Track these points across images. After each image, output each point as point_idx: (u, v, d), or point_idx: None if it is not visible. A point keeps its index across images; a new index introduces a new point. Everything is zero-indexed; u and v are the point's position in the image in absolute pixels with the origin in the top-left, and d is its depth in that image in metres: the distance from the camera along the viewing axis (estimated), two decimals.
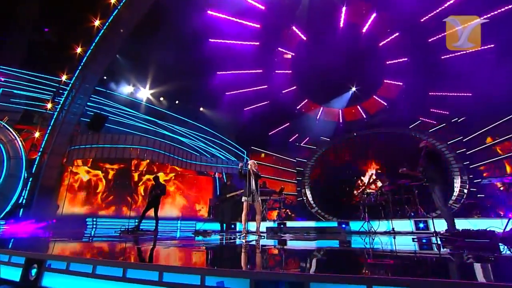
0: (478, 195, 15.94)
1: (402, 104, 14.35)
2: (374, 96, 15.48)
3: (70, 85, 12.70)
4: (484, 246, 3.63)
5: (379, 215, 8.28)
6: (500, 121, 13.66)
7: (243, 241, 5.42)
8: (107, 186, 13.72)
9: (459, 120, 15.51)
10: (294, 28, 13.38)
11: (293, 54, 14.46)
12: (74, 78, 12.72)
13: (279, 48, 14.32)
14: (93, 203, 13.24)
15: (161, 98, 16.13)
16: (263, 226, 9.60)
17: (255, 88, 15.94)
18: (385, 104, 15.45)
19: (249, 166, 6.40)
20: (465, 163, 16.04)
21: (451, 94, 13.52)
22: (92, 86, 13.09)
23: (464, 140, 15.83)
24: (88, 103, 13.28)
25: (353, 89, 15.76)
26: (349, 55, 13.32)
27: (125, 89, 14.73)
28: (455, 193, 16.29)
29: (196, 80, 15.02)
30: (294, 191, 19.08)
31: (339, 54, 13.43)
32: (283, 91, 16.07)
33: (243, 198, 6.10)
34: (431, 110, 14.63)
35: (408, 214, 8.89)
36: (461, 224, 6.95)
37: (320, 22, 12.61)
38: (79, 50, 12.47)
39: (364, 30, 12.69)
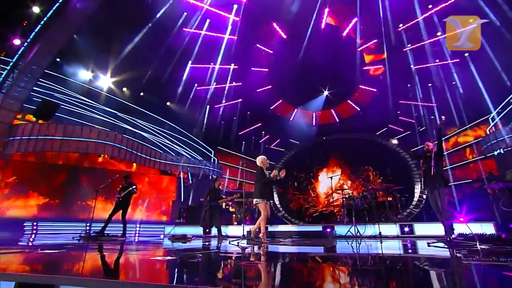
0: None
1: (374, 111, 14.69)
2: (348, 101, 15.68)
3: (12, 64, 10.68)
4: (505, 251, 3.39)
5: (364, 219, 8.10)
6: (458, 130, 14.64)
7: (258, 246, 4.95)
8: (53, 184, 11.83)
9: (421, 129, 16.43)
10: (274, 24, 12.92)
11: (272, 52, 14.00)
12: (17, 56, 10.73)
13: (258, 45, 13.75)
14: (35, 204, 11.30)
15: (124, 89, 14.50)
16: (241, 230, 8.99)
17: (229, 85, 15.16)
18: (358, 109, 15.74)
19: (259, 163, 5.85)
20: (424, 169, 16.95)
21: (418, 103, 14.15)
22: (41, 68, 11.18)
23: (425, 148, 16.77)
24: (36, 88, 11.31)
25: (326, 92, 15.83)
26: (328, 57, 13.24)
27: (83, 75, 12.89)
28: (415, 199, 17.24)
29: (165, 71, 13.77)
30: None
31: (317, 55, 13.30)
32: (258, 90, 15.52)
33: (258, 200, 5.52)
34: (400, 118, 15.20)
35: (392, 218, 8.89)
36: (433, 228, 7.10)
37: (302, 21, 12.31)
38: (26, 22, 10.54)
39: (344, 34, 12.70)
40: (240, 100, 15.73)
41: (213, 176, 17.49)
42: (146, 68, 13.38)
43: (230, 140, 17.64)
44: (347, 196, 9.47)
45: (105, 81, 13.71)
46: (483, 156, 12.90)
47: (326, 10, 11.95)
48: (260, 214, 5.71)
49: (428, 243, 4.51)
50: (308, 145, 18.76)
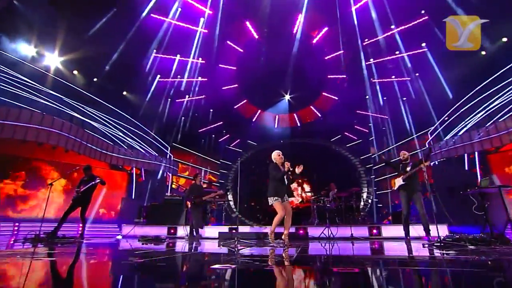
0: (378, 205, 18.60)
1: (333, 118, 15.47)
2: (310, 106, 16.25)
3: None
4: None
5: (334, 221, 8.39)
6: (404, 141, 16.19)
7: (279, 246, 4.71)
8: None
9: (370, 138, 17.82)
10: (248, 23, 12.78)
11: (242, 50, 13.81)
12: None
13: (228, 42, 13.44)
14: None
15: (75, 72, 12.87)
16: (209, 231, 8.59)
17: (194, 79, 14.53)
18: (319, 115, 16.42)
19: (273, 158, 5.40)
20: (371, 176, 18.49)
21: (373, 114, 15.32)
22: None
23: (372, 156, 18.26)
24: None
25: (287, 96, 16.21)
26: (296, 62, 13.58)
27: (24, 50, 11.04)
28: (362, 203, 18.60)
29: (125, 56, 12.59)
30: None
31: (286, 59, 13.56)
32: (223, 88, 15.17)
33: (274, 199, 5.05)
34: (355, 126, 16.26)
35: (358, 220, 9.38)
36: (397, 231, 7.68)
37: (276, 23, 12.39)
38: None
39: (314, 42, 13.12)
40: (204, 96, 15.18)
41: (168, 173, 16.60)
42: (103, 51, 12.07)
43: (189, 137, 16.92)
44: (315, 198, 9.74)
45: (52, 60, 12.01)
46: None
47: (300, 16, 12.21)
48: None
49: (423, 244, 4.79)
50: (265, 147, 18.98)
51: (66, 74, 12.44)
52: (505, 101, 11.23)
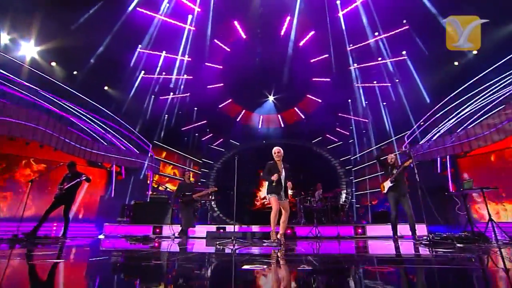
0: (356, 205, 19.29)
1: (316, 120, 15.85)
2: (295, 108, 16.54)
3: None
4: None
5: (321, 221, 8.61)
6: (383, 143, 16.90)
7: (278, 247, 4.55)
8: None
9: (350, 141, 18.46)
10: (236, 23, 12.79)
11: (229, 50, 13.78)
12: None
13: (216, 40, 13.36)
14: None
15: (53, 63, 12.19)
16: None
17: (179, 77, 14.29)
18: (303, 117, 16.75)
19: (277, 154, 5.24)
20: (350, 177, 19.13)
21: (354, 118, 15.88)
22: None
23: (351, 158, 18.91)
24: None
25: (272, 98, 16.41)
26: (282, 63, 13.79)
27: None
28: (341, 202, 19.18)
29: (109, 50, 12.15)
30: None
31: (273, 60, 13.72)
32: (209, 86, 15.05)
33: (269, 195, 4.99)
34: (337, 129, 16.76)
35: (343, 219, 9.67)
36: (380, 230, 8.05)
37: (264, 24, 12.50)
38: None
39: (300, 44, 13.39)
40: (188, 94, 14.97)
41: (150, 171, 16.17)
42: (86, 43, 11.55)
43: (171, 135, 16.58)
44: (302, 198, 9.93)
45: (28, 50, 11.30)
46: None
47: (288, 18, 12.42)
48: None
49: (414, 243, 5.04)
50: (248, 147, 19.06)
51: (43, 65, 11.75)
52: (474, 109, 12.09)
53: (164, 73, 13.81)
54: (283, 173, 5.11)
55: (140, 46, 12.84)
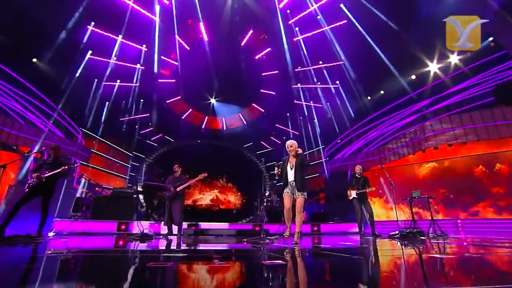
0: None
1: (256, 127, 17.42)
2: (239, 114, 17.65)
3: None
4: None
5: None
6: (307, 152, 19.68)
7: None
8: None
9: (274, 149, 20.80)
10: (201, 24, 13.21)
11: (188, 48, 13.98)
12: None
13: (177, 36, 13.40)
14: None
15: None
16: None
17: (130, 65, 13.62)
18: (245, 123, 18.01)
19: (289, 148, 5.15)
20: (274, 181, 21.40)
21: (286, 129, 18.12)
22: None
23: (277, 164, 21.24)
24: None
25: (213, 100, 17.19)
26: (236, 71, 14.84)
27: None
28: (264, 204, 21.16)
29: (50, 16, 10.66)
30: (124, 186, 17.18)
31: (228, 67, 14.63)
32: (160, 80, 14.76)
33: (283, 192, 4.95)
34: (271, 137, 18.70)
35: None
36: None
37: (229, 32, 13.33)
38: None
39: (256, 57, 14.73)
40: (137, 84, 14.29)
41: (76, 161, 14.44)
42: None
43: (106, 124, 15.30)
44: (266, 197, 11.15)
45: None
46: (318, 174, 18.12)
47: (251, 31, 13.62)
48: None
49: (389, 236, 6.54)
50: (182, 145, 19.16)
51: None
52: (376, 135, 15.70)
53: (115, 57, 12.92)
54: (291, 169, 4.97)
55: (93, 23, 11.80)
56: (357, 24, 12.18)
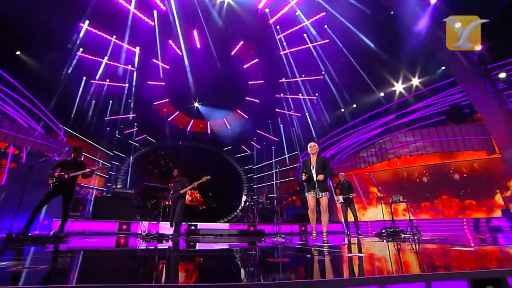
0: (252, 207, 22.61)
1: (239, 132, 18.25)
2: (224, 119, 18.30)
3: None
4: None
5: (272, 220, 10.79)
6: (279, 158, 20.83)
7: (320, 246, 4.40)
8: None
9: (254, 153, 21.81)
10: (195, 32, 13.75)
11: (180, 53, 14.40)
12: None
13: (170, 41, 13.79)
14: None
15: None
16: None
17: (121, 65, 13.66)
18: (229, 127, 18.71)
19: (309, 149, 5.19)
20: (251, 183, 22.37)
21: (267, 135, 19.22)
22: None
23: (254, 167, 22.23)
24: None
25: (197, 104, 17.73)
26: (224, 78, 15.58)
27: None
28: (242, 205, 21.98)
29: (43, 10, 10.50)
30: (102, 185, 16.95)
31: (218, 73, 15.32)
32: (149, 82, 14.94)
33: (306, 194, 5.00)
34: (251, 142, 19.65)
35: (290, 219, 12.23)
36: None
37: (220, 41, 14.05)
38: None
39: (244, 67, 15.60)
40: (127, 84, 14.32)
41: (56, 158, 13.92)
42: None
43: (90, 122, 15.01)
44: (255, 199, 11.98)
45: None
46: (293, 178, 19.43)
47: (241, 42, 14.48)
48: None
49: (376, 233, 7.71)
50: (162, 146, 19.32)
51: None
52: (347, 144, 17.41)
53: (106, 57, 12.92)
54: (314, 169, 4.96)
55: (88, 22, 11.77)
56: (339, 43, 13.68)
